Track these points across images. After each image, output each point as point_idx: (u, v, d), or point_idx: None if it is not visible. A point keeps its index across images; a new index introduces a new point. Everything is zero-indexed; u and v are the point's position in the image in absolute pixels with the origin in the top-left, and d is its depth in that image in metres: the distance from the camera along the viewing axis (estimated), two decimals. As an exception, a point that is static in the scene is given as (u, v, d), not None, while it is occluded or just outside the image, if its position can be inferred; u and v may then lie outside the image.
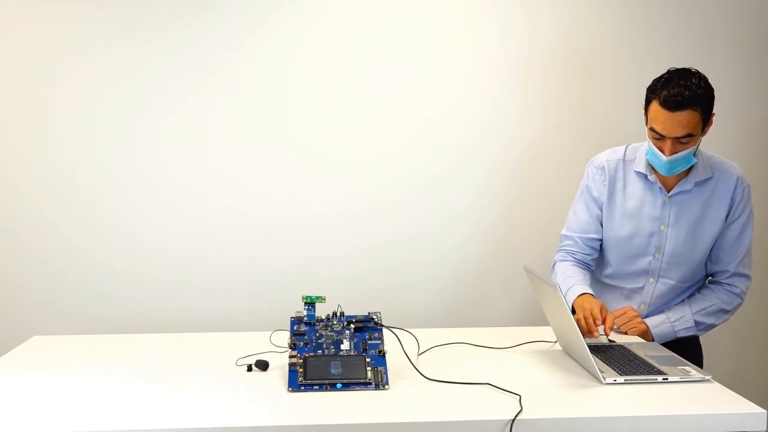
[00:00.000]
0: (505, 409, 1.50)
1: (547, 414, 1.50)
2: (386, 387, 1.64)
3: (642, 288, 2.17)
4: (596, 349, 1.87)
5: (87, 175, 2.71)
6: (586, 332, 1.91)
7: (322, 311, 1.80)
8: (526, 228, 2.81)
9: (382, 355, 1.71)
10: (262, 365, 1.77)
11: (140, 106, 2.69)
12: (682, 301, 2.18)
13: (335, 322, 1.78)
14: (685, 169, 2.03)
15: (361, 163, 2.78)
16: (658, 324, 2.12)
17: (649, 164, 2.09)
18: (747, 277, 2.17)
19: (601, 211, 2.17)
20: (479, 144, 2.78)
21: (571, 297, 2.07)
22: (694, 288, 2.20)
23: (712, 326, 2.17)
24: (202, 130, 2.72)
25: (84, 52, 2.66)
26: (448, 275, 2.84)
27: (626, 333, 2.09)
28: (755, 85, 2.85)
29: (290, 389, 1.62)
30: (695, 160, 2.02)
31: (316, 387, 1.62)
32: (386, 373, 1.66)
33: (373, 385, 1.63)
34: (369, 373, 1.65)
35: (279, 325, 2.02)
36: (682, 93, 1.89)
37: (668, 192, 2.10)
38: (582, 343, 1.72)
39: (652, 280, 2.15)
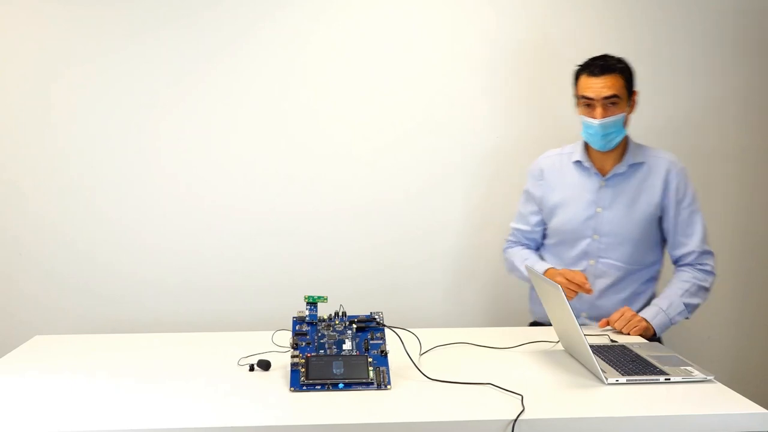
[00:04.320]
0: (508, 409, 1.49)
1: (550, 414, 1.50)
2: (388, 387, 1.63)
3: (584, 271, 2.24)
4: (598, 349, 1.87)
5: (88, 175, 2.71)
6: (576, 290, 2.08)
7: (324, 311, 1.80)
8: (527, 228, 2.81)
9: (384, 355, 1.70)
10: (264, 365, 1.77)
11: (140, 105, 2.70)
12: (663, 292, 2.22)
13: (337, 322, 1.78)
14: (618, 139, 2.18)
15: (363, 163, 2.78)
16: (654, 315, 2.14)
17: (585, 151, 2.27)
18: (712, 253, 2.26)
19: (541, 207, 2.35)
20: (481, 144, 2.78)
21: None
22: (645, 273, 2.27)
23: (697, 306, 2.22)
24: (202, 130, 2.72)
25: (84, 52, 2.66)
26: (449, 275, 2.84)
27: (628, 334, 2.09)
28: (755, 84, 2.86)
29: (292, 389, 1.62)
30: (625, 131, 2.20)
31: (318, 387, 1.62)
32: (388, 373, 1.66)
33: (375, 385, 1.63)
34: (371, 373, 1.65)
35: (281, 324, 2.02)
36: (605, 62, 2.16)
37: (604, 176, 2.25)
38: (584, 344, 1.72)
39: (592, 261, 2.27)
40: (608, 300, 2.27)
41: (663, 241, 2.30)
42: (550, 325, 2.26)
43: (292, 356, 1.69)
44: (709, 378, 1.69)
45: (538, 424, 1.47)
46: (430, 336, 1.98)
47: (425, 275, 2.83)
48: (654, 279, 2.31)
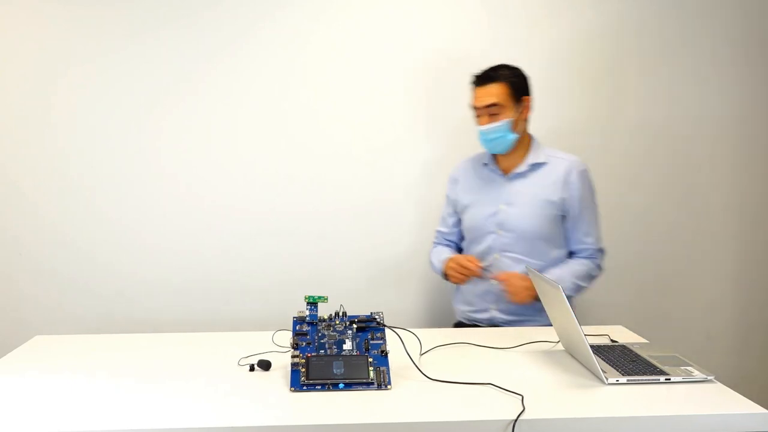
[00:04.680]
0: (508, 409, 1.49)
1: (550, 414, 1.50)
2: (388, 387, 1.63)
3: (490, 265, 2.35)
4: (599, 350, 1.87)
5: (88, 175, 2.71)
6: (464, 273, 2.25)
7: (324, 311, 1.80)
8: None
9: (384, 355, 1.70)
10: (265, 365, 1.77)
11: (140, 105, 2.70)
12: (557, 268, 2.29)
13: (338, 322, 1.78)
14: (505, 143, 2.29)
15: (363, 163, 2.78)
16: None
17: (492, 155, 2.39)
18: (605, 251, 2.38)
19: (456, 209, 2.47)
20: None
21: (443, 266, 2.38)
22: (549, 270, 2.33)
23: (582, 290, 2.32)
24: (202, 130, 2.73)
25: (84, 52, 2.66)
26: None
27: (519, 302, 2.20)
28: (756, 85, 2.86)
29: (292, 389, 1.62)
30: (513, 135, 2.29)
31: (319, 387, 1.62)
32: (388, 373, 1.66)
33: (376, 385, 1.63)
34: (371, 373, 1.65)
35: (281, 325, 2.02)
36: (489, 73, 2.29)
37: (507, 176, 2.37)
38: (584, 343, 1.72)
39: (497, 255, 2.35)
40: None
41: (566, 239, 2.38)
42: (475, 326, 2.37)
43: (293, 356, 1.69)
44: (709, 378, 1.69)
45: (538, 424, 1.47)
46: (430, 336, 1.98)
47: (426, 275, 2.83)
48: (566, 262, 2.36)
